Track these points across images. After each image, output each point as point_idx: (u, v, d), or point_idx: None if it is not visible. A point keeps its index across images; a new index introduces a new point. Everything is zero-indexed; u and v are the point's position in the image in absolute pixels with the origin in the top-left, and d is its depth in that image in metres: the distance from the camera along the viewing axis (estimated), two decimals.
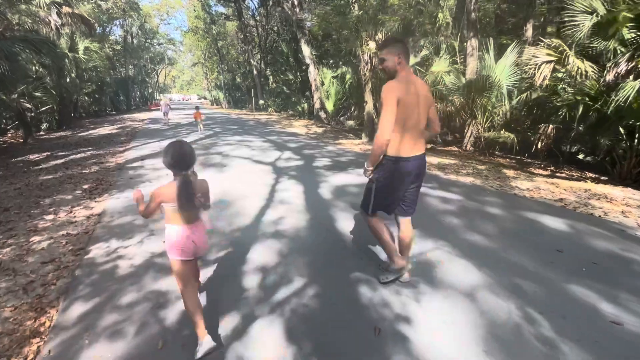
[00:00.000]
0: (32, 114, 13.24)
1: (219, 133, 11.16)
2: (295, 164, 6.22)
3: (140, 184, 4.80)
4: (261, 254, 2.68)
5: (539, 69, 6.63)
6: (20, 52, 7.30)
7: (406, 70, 1.96)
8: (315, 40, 19.45)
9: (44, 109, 14.56)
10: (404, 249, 2.24)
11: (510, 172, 5.98)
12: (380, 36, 8.96)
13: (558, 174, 6.22)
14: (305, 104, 18.95)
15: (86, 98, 24.48)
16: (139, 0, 34.04)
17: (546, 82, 6.70)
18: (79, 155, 7.48)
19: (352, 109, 17.23)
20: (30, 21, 10.43)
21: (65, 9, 10.92)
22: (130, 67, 33.91)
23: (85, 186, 4.87)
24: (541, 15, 11.16)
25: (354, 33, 9.28)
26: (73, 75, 17.33)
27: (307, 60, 17.39)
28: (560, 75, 6.87)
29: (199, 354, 1.59)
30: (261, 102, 27.50)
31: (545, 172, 6.49)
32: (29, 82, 10.51)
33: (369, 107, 10.09)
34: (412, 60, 10.38)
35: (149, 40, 38.36)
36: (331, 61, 17.93)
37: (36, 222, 3.49)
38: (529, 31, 10.62)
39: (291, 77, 22.38)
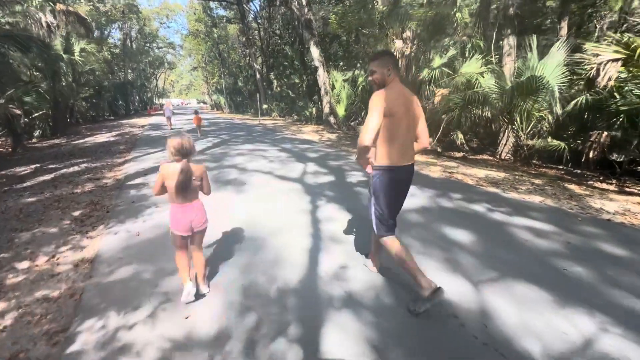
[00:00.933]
0: (27, 120, 12.29)
1: (228, 141, 10.23)
2: (326, 180, 5.28)
3: (146, 210, 3.86)
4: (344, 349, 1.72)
5: (603, 68, 5.76)
6: (4, 50, 6.35)
7: (395, 81, 1.97)
8: (323, 42, 18.63)
9: (36, 114, 13.63)
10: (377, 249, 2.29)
11: (576, 188, 5.08)
12: (408, 34, 8.11)
13: (628, 189, 5.31)
14: (313, 109, 18.08)
15: (83, 103, 23.55)
16: (139, 3, 33.29)
17: (611, 83, 5.83)
18: (71, 169, 6.52)
19: (364, 114, 16.36)
20: (20, 20, 9.49)
21: (60, 6, 10.02)
22: (129, 71, 33.03)
23: (76, 213, 3.91)
24: (579, 12, 10.35)
25: (378, 30, 8.44)
26: (69, 78, 16.40)
27: (316, 63, 16.54)
28: (625, 75, 6.01)
29: (182, 297, 2.06)
30: (264, 106, 26.64)
31: (610, 187, 5.58)
32: (19, 86, 9.57)
33: None
34: (438, 61, 9.54)
35: (148, 44, 37.54)
36: (341, 63, 17.09)
37: (2, 276, 2.53)
38: (563, 29, 9.80)
39: (297, 80, 21.55)
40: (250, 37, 27.21)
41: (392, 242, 2.05)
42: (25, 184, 5.35)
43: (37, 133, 13.23)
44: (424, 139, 2.10)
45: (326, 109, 16.81)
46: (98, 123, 21.80)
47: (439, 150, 10.24)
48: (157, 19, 38.78)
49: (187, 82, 77.57)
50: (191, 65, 52.94)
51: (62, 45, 13.07)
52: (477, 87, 8.06)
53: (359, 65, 16.95)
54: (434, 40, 8.42)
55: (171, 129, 14.93)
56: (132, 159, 7.49)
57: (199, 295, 2.16)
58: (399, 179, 1.99)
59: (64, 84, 17.63)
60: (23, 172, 6.51)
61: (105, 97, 24.66)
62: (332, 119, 16.76)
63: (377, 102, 1.84)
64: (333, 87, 16.36)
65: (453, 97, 7.83)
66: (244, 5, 27.16)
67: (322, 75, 16.67)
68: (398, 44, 8.17)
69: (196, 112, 12.12)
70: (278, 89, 24.74)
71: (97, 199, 4.43)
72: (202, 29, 34.23)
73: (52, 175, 5.96)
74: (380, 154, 1.95)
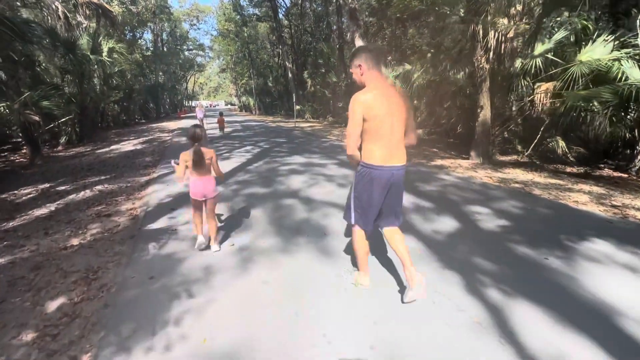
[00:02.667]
0: (53, 125, 11.28)
1: (270, 151, 8.51)
2: (445, 224, 3.31)
3: (172, 307, 2.09)
4: None
5: None
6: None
7: (375, 79, 1.92)
8: (367, 34, 16.60)
9: (62, 120, 12.67)
10: (404, 263, 2.04)
11: None
12: (518, 7, 5.99)
13: None
14: None
15: (116, 106, 23.02)
16: (170, 5, 32.87)
17: None
18: (81, 195, 4.98)
19: (419, 115, 14.18)
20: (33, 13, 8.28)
21: None
22: (160, 73, 32.66)
23: (54, 303, 2.21)
24: None
25: (468, 6, 6.37)
26: (97, 81, 15.51)
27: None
28: None
29: (195, 246, 2.84)
30: (297, 107, 25.03)
31: None
32: (37, 89, 8.38)
33: (485, 114, 7.03)
34: (541, 47, 7.26)
35: (179, 46, 37.21)
36: (389, 58, 15.03)
37: None
38: None
39: (335, 79, 19.67)
40: (283, 35, 25.68)
41: (360, 233, 2.13)
42: (10, 224, 3.80)
43: (63, 140, 12.23)
44: (411, 136, 2.03)
45: None
46: (129, 127, 21.09)
47: (537, 162, 7.92)
48: (187, 21, 38.42)
49: (215, 85, 78.35)
50: (219, 67, 52.70)
51: (88, 45, 11.98)
52: (619, 78, 5.76)
53: (412, 58, 14.79)
54: (551, 17, 6.20)
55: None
56: (158, 178, 5.89)
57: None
58: (381, 179, 1.94)
59: (97, 87, 16.88)
60: (24, 198, 5.06)
61: (136, 100, 24.05)
62: None
63: (354, 108, 1.84)
64: None
65: (598, 90, 5.58)
66: (276, 1, 25.71)
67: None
68: (501, 23, 6.05)
69: (220, 114, 13.14)
70: (312, 88, 23.02)
71: (96, 265, 2.72)
72: (232, 29, 33.25)
73: (53, 207, 4.41)
74: (364, 154, 1.95)
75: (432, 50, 10.83)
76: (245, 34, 32.45)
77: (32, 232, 3.49)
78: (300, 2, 29.21)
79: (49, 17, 8.46)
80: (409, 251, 2.10)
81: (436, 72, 11.99)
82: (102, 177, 6.22)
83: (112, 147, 11.03)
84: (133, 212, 4.07)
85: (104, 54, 12.78)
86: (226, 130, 14.94)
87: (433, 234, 3.16)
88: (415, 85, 12.89)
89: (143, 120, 27.34)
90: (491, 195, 4.50)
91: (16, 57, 8.08)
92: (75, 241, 3.23)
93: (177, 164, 2.75)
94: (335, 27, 26.30)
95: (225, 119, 14.92)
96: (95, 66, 14.59)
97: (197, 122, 16.30)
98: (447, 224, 3.41)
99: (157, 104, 31.51)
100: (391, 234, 2.12)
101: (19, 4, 7.87)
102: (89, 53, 11.95)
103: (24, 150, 11.34)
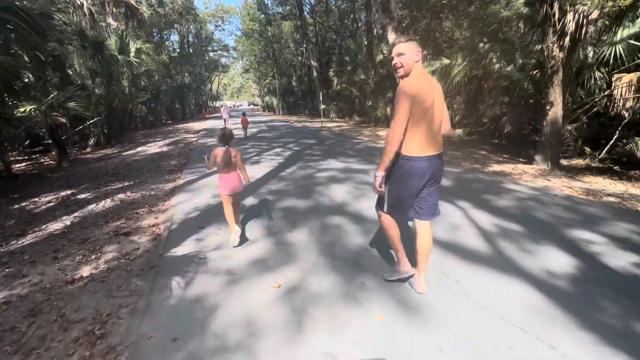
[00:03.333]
0: (85, 125, 11.21)
1: (301, 153, 7.83)
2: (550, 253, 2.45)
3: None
4: None
5: None
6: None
7: (420, 68, 1.91)
8: (399, 27, 15.58)
9: (91, 121, 12.64)
10: (420, 259, 2.10)
11: None
12: None
13: None
14: (387, 108, 15.17)
15: (143, 107, 23.30)
16: (196, 6, 33.16)
17: None
18: (101, 205, 4.49)
19: (457, 113, 13.06)
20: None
21: None
22: (186, 74, 33.02)
23: None
24: None
25: None
26: (125, 82, 15.51)
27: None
28: None
29: (230, 242, 2.95)
30: (322, 106, 24.37)
31: None
32: (63, 90, 8.15)
33: (556, 111, 5.97)
34: (624, 32, 6.13)
35: (204, 47, 37.55)
36: (424, 52, 13.95)
37: None
38: None
39: (363, 76, 18.77)
40: (308, 32, 25.06)
41: (389, 220, 2.10)
42: (19, 243, 3.31)
43: (91, 141, 12.19)
44: (447, 125, 2.05)
45: None
46: (155, 128, 21.22)
47: (614, 167, 6.75)
48: (212, 22, 38.71)
49: (238, 85, 79.27)
50: (243, 68, 53.02)
51: (116, 45, 11.82)
52: None
53: (448, 52, 13.65)
54: None
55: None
56: (184, 185, 5.33)
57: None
58: (422, 169, 1.90)
59: (125, 88, 16.95)
60: (43, 207, 4.65)
61: (163, 101, 24.26)
62: None
63: (404, 96, 1.78)
64: None
65: None
66: None
67: None
68: (584, 2, 5.01)
69: (244, 114, 12.87)
70: (338, 87, 22.22)
71: (106, 311, 2.10)
72: (256, 28, 33.07)
73: (70, 221, 3.92)
74: (405, 145, 1.88)
75: (482, 41, 9.72)
76: (270, 33, 32.15)
77: (40, 256, 2.96)
78: None
79: (74, 15, 8.22)
80: (430, 251, 2.12)
81: (479, 66, 10.87)
82: (126, 184, 5.76)
83: (139, 149, 10.78)
84: (155, 230, 3.47)
85: (132, 54, 12.62)
86: (251, 130, 14.48)
87: (548, 277, 2.31)
88: (455, 80, 11.85)
89: (169, 121, 27.64)
90: (588, 213, 3.54)
91: (43, 57, 7.86)
92: (85, 270, 2.65)
93: (209, 158, 3.02)
94: (362, 22, 25.38)
95: (249, 119, 14.55)
96: (124, 67, 14.59)
97: (222, 123, 16.03)
98: (558, 259, 2.54)
99: (183, 104, 31.86)
100: (423, 228, 2.08)
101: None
102: (116, 53, 11.80)
103: (54, 153, 11.36)
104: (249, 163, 6.89)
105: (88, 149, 11.89)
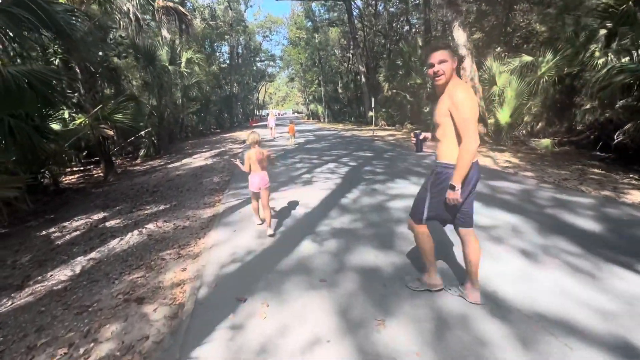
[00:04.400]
0: (139, 136, 11.18)
1: (359, 170, 6.57)
2: None
3: None
4: None
5: None
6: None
7: (456, 76, 1.88)
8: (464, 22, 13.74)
9: (142, 132, 12.67)
10: (471, 272, 2.01)
11: None
12: None
13: None
14: None
15: (194, 117, 23.91)
16: (245, 19, 33.99)
17: None
18: (124, 241, 3.66)
19: (541, 122, 10.89)
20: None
21: (159, 2, 8.13)
22: (235, 84, 33.79)
23: None
24: None
25: None
26: (177, 93, 15.64)
27: (462, 51, 11.85)
28: None
29: (257, 224, 3.77)
30: (370, 114, 22.96)
31: None
32: (109, 102, 7.88)
33: None
34: None
35: (252, 57, 38.38)
36: (497, 49, 11.96)
37: None
38: None
39: (419, 80, 17.07)
40: (357, 37, 23.96)
41: (422, 230, 2.08)
42: (7, 305, 2.47)
43: (142, 152, 12.18)
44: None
45: None
46: (204, 137, 21.49)
47: None
48: (260, 33, 39.51)
49: (283, 94, 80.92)
50: (288, 77, 53.68)
51: (167, 56, 11.71)
52: None
53: (524, 47, 11.55)
54: None
55: (273, 137, 16.08)
56: (224, 214, 4.35)
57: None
58: (469, 178, 1.86)
59: (178, 100, 17.22)
60: (67, 236, 3.96)
61: (212, 111, 24.71)
62: (480, 129, 11.80)
63: (472, 99, 1.77)
64: (496, 83, 11.43)
65: None
66: (351, 3, 24.15)
67: (468, 67, 11.89)
68: None
69: (291, 122, 13.14)
70: (389, 92, 20.68)
71: None
72: (303, 36, 32.87)
73: (80, 265, 3.08)
74: (446, 152, 1.89)
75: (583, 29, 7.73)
76: (316, 41, 31.69)
77: (14, 340, 2.04)
78: (375, 2, 27.32)
79: (120, 22, 8.01)
80: (479, 259, 2.02)
81: (577, 61, 8.84)
82: (161, 207, 4.97)
83: (184, 160, 10.37)
84: (178, 296, 2.43)
85: (182, 65, 12.48)
86: (298, 140, 13.62)
87: None
88: (543, 81, 9.82)
89: (218, 130, 28.23)
90: None
91: (93, 68, 7.64)
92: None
93: (242, 163, 3.49)
94: (418, 22, 23.71)
95: (295, 127, 13.79)
96: (178, 79, 14.68)
97: (268, 132, 15.39)
98: None
99: (231, 113, 32.53)
100: (469, 235, 2.02)
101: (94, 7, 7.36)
102: (167, 64, 11.67)
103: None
104: (300, 183, 5.81)
105: (138, 160, 11.87)
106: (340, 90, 33.36)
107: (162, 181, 7.16)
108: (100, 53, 10.39)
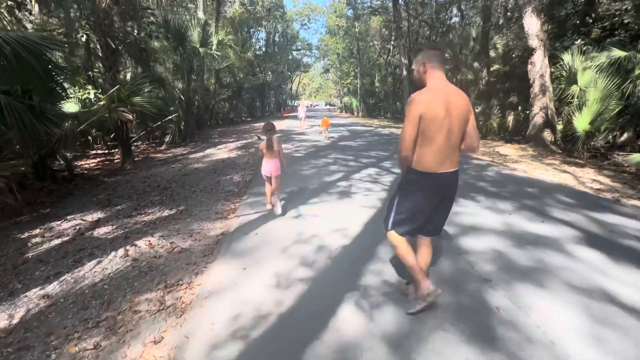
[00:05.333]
0: (164, 122, 10.62)
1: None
2: None
3: None
4: None
5: None
6: None
7: (437, 79, 1.80)
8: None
9: (169, 118, 12.10)
10: (419, 275, 1.94)
11: None
12: None
13: None
14: (511, 117, 11.51)
15: (226, 104, 23.45)
16: (284, 5, 32.97)
17: None
18: (101, 266, 2.75)
19: (627, 132, 8.89)
20: None
21: None
22: (269, 72, 33.08)
23: None
24: None
25: None
26: (207, 77, 14.99)
27: (533, 42, 10.02)
28: None
29: (266, 210, 3.89)
30: None
31: None
32: (128, 82, 7.17)
33: None
34: None
35: (288, 45, 37.44)
36: (577, 41, 9.90)
37: None
38: None
39: (471, 76, 15.16)
40: (401, 26, 22.11)
41: (396, 238, 1.98)
42: None
43: (167, 139, 11.62)
44: (473, 140, 1.87)
45: (538, 118, 10.20)
46: (234, 125, 20.93)
47: None
48: (298, 21, 38.38)
49: (317, 85, 79.77)
50: (323, 68, 52.28)
51: (198, 37, 10.94)
52: None
53: (611, 39, 9.45)
54: None
55: (303, 129, 15.46)
56: (235, 235, 3.34)
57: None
58: (432, 186, 1.83)
59: (210, 85, 16.62)
60: (45, 245, 3.15)
61: (244, 99, 24.11)
62: (547, 135, 10.02)
63: (411, 109, 1.74)
64: (564, 80, 9.55)
65: None
66: None
67: (539, 61, 10.06)
68: None
69: (325, 116, 12.43)
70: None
71: None
72: (342, 24, 31.33)
73: (36, 301, 2.20)
74: (416, 158, 1.82)
75: None
76: (356, 29, 30.04)
77: None
78: None
79: None
80: (427, 267, 2.06)
81: None
82: (165, 213, 4.07)
83: (208, 151, 9.61)
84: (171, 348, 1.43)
85: (214, 47, 11.67)
86: (331, 135, 12.47)
87: None
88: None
89: (249, 119, 27.72)
90: None
91: (114, 44, 6.93)
92: None
93: (262, 140, 3.67)
94: (470, 11, 21.49)
95: (330, 121, 12.71)
96: (210, 62, 13.98)
97: (298, 124, 14.55)
98: None
99: (263, 102, 31.93)
100: (426, 244, 2.06)
101: None
102: (198, 45, 10.90)
103: (137, 149, 11.01)
104: (334, 194, 4.68)
105: (163, 147, 11.33)
106: (377, 84, 31.57)
107: (177, 175, 6.34)
108: (129, 29, 9.81)
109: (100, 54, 6.78)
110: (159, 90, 9.06)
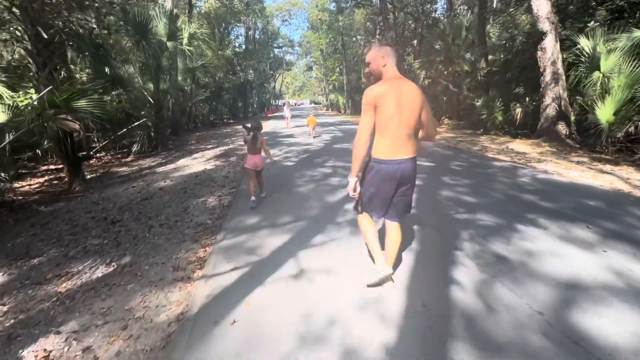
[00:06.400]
0: (127, 130, 9.10)
1: (440, 204, 4.11)
2: None
3: None
4: None
5: None
6: None
7: (391, 73, 1.93)
8: None
9: (137, 123, 10.56)
10: (390, 254, 2.17)
11: None
12: None
13: None
14: (518, 110, 10.53)
15: (206, 106, 21.79)
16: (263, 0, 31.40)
17: None
18: None
19: None
20: None
21: None
22: (250, 71, 31.43)
23: None
24: None
25: None
26: (181, 78, 13.42)
27: (544, 26, 9.05)
28: None
29: (250, 204, 4.00)
30: None
31: None
32: (66, 82, 5.69)
33: None
34: None
35: (270, 42, 35.84)
36: (590, 23, 8.97)
37: None
38: None
39: (467, 68, 14.17)
40: (388, 17, 20.97)
41: (364, 219, 2.19)
42: None
43: (135, 148, 10.08)
44: (430, 129, 2.06)
45: (551, 110, 9.28)
46: (214, 128, 19.35)
47: None
48: (279, 16, 36.80)
49: (300, 84, 78.31)
50: (306, 65, 50.85)
51: (165, 29, 9.44)
52: None
53: (619, 23, 8.58)
54: None
55: (289, 127, 15.76)
56: (211, 308, 2.04)
57: (259, 200, 4.17)
58: (387, 172, 1.95)
59: (185, 85, 14.99)
60: None
61: (224, 100, 22.49)
62: (562, 128, 9.11)
63: (365, 100, 1.87)
64: (578, 67, 8.58)
65: None
66: None
67: (550, 46, 9.10)
68: None
69: (311, 113, 12.00)
70: (426, 82, 17.81)
71: None
72: (325, 18, 30.04)
73: None
74: (373, 147, 1.98)
75: None
76: (340, 23, 28.80)
77: None
78: None
79: None
80: (397, 251, 2.17)
81: None
82: (100, 271, 2.71)
83: (181, 161, 8.18)
84: None
85: (184, 41, 10.18)
86: (323, 138, 11.22)
87: None
88: None
89: (231, 121, 26.10)
90: None
91: (46, 35, 5.42)
92: None
93: (248, 133, 4.05)
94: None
95: (317, 119, 11.62)
96: (181, 60, 12.44)
97: (284, 125, 13.39)
98: None
99: (246, 102, 30.30)
100: (391, 228, 2.14)
101: None
102: (165, 39, 9.40)
103: (99, 161, 9.43)
104: (346, 224, 3.42)
105: (130, 157, 9.79)
106: (364, 80, 30.47)
107: (135, 199, 4.93)
108: (88, 22, 8.25)
109: (30, 47, 5.27)
110: (117, 92, 7.56)
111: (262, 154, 4.07)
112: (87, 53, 8.27)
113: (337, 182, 5.13)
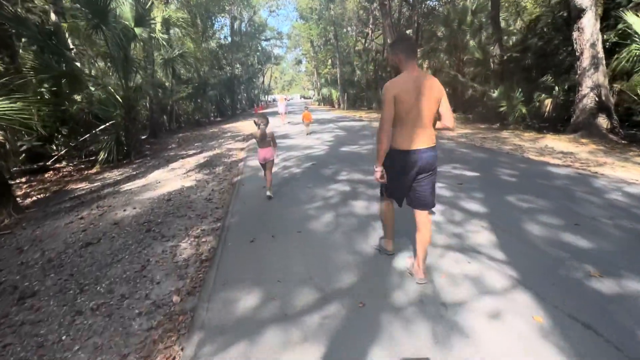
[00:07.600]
0: (96, 137, 7.47)
1: (478, 217, 2.77)
2: None
3: None
4: None
5: None
6: None
7: (409, 67, 1.97)
8: None
9: (103, 126, 8.98)
10: (419, 250, 2.16)
11: None
12: None
13: None
14: (548, 101, 9.22)
15: (191, 104, 20.00)
16: None
17: None
18: None
19: None
20: None
21: None
22: (237, 65, 29.51)
23: None
24: None
25: None
26: (165, 73, 11.73)
27: (583, 1, 7.71)
28: None
29: (266, 195, 4.21)
30: None
31: None
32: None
33: None
34: None
35: (257, 35, 33.88)
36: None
37: None
38: None
39: (478, 55, 12.81)
40: (385, 3, 19.43)
41: (387, 207, 2.37)
42: None
43: (101, 156, 8.44)
44: (446, 120, 2.07)
45: (587, 101, 8.03)
46: (200, 128, 17.64)
47: None
48: (266, 7, 34.77)
49: (289, 78, 76.23)
50: (296, 59, 48.94)
51: (132, 12, 7.77)
52: None
53: None
54: None
55: (284, 123, 15.36)
56: None
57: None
58: (406, 162, 2.01)
59: (164, 81, 13.30)
60: None
61: (210, 96, 20.70)
62: (603, 121, 7.89)
63: (385, 93, 1.95)
64: (617, 50, 7.29)
65: None
66: None
67: (589, 26, 7.78)
68: None
69: (306, 108, 11.46)
70: (429, 72, 16.40)
71: None
72: (315, 7, 28.28)
73: None
74: (392, 138, 2.05)
75: None
76: (331, 12, 27.11)
77: None
78: None
79: None
80: (428, 243, 2.16)
81: None
82: None
83: (154, 174, 6.62)
84: None
85: (157, 27, 8.51)
86: (321, 136, 9.75)
87: None
88: None
89: (219, 119, 24.33)
90: None
91: None
92: None
93: (257, 126, 4.03)
94: None
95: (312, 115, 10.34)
96: (157, 50, 10.75)
97: (278, 122, 11.96)
98: None
99: (233, 99, 28.46)
100: (420, 217, 2.16)
101: None
102: (132, 24, 7.74)
103: (56, 174, 7.77)
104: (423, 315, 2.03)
105: (94, 169, 8.16)
106: (358, 72, 28.92)
107: (76, 244, 3.42)
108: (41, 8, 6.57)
109: None
110: (74, 88, 5.96)
111: (271, 145, 4.17)
112: (32, 42, 6.63)
113: (364, 207, 3.68)
